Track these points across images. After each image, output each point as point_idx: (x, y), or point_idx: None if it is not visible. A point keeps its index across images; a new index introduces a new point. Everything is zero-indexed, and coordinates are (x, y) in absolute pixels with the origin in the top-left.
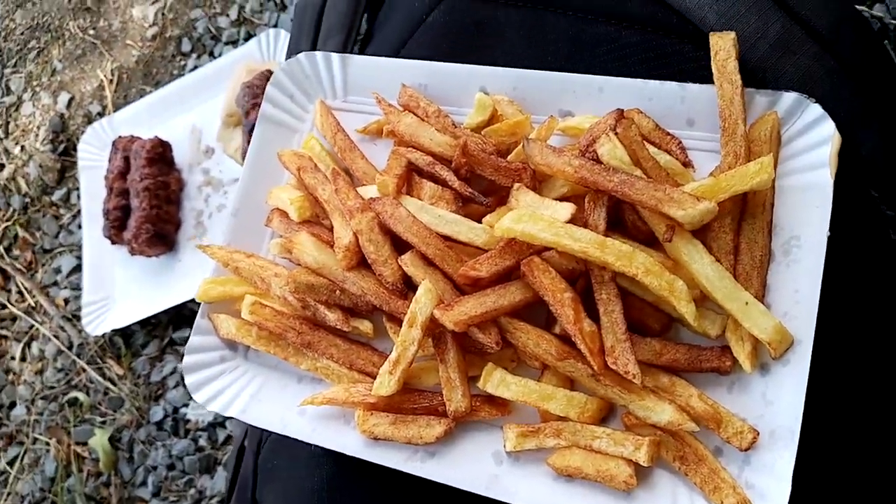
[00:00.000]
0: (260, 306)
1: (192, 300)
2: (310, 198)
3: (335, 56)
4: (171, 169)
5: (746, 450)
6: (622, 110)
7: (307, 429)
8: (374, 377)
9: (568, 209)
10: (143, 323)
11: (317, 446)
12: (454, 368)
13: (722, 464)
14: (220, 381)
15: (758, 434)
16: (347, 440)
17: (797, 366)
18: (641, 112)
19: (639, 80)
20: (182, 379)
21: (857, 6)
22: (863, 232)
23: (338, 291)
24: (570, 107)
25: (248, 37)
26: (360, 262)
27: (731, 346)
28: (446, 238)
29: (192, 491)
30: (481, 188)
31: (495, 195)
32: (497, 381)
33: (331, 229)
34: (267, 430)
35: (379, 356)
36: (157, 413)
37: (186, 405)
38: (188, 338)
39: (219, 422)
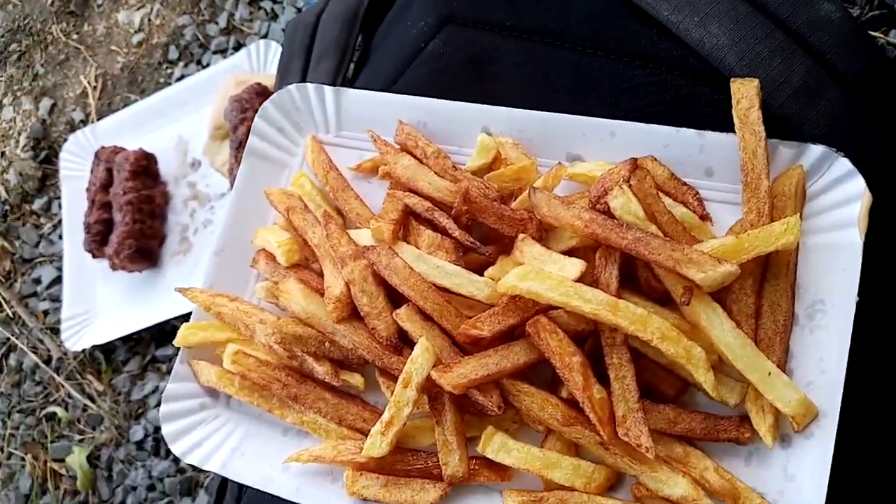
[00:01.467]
0: (243, 355)
1: (176, 317)
2: (298, 240)
3: (328, 89)
4: (155, 182)
5: None
6: (636, 160)
7: (292, 486)
8: (364, 433)
9: (577, 266)
10: (125, 339)
11: None
12: (451, 431)
13: None
14: (198, 432)
15: None
16: (334, 500)
17: (821, 440)
18: (656, 160)
19: (654, 125)
20: None
21: (871, 32)
22: (894, 296)
23: (327, 343)
24: (579, 151)
25: (238, 46)
26: (352, 314)
27: (751, 416)
28: (445, 291)
29: None
30: (480, 235)
31: (496, 243)
32: (498, 446)
33: (320, 274)
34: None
35: (370, 412)
36: (137, 432)
37: None
38: (171, 356)
39: None
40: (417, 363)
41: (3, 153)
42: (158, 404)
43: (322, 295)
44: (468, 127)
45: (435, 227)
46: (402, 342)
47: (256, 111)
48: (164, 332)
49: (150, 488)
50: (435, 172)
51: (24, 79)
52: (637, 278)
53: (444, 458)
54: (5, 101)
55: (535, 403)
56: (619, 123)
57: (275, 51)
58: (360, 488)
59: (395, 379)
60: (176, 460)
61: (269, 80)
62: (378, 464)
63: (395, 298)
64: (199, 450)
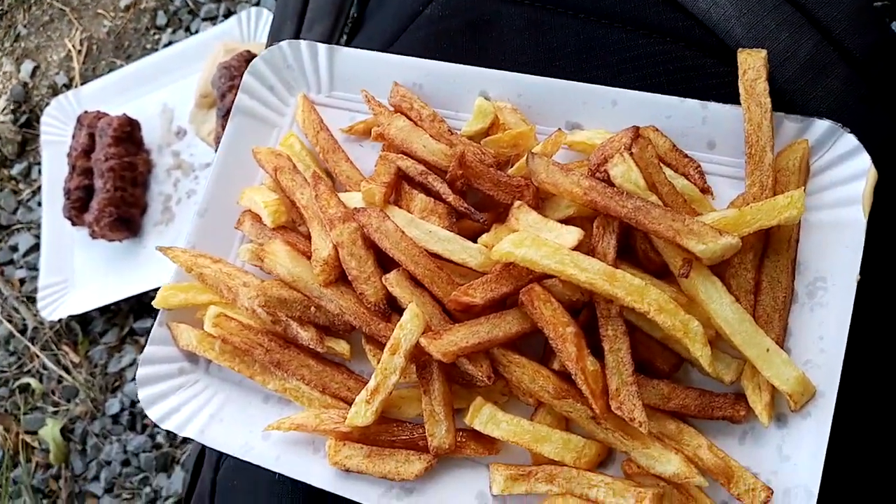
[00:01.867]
0: (225, 319)
1: (157, 289)
2: (286, 201)
3: (321, 46)
4: (138, 149)
5: None
6: (638, 128)
7: (271, 455)
8: (348, 402)
9: (574, 234)
10: (103, 310)
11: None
12: (439, 401)
13: None
14: (176, 397)
15: (771, 493)
16: (315, 470)
17: (818, 420)
18: (657, 130)
19: (657, 94)
20: None
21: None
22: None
23: (313, 308)
24: (580, 119)
25: (228, 13)
26: (340, 278)
27: (746, 394)
28: (437, 257)
29: (147, 489)
30: (475, 201)
31: (491, 210)
32: (486, 419)
33: (308, 237)
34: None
35: (355, 380)
36: (113, 405)
37: None
38: (150, 328)
39: None
40: (406, 329)
41: None
42: (136, 377)
43: (309, 258)
44: (466, 90)
45: (428, 191)
46: (391, 308)
47: None
48: (143, 303)
49: (125, 463)
50: (430, 135)
51: (6, 39)
52: (634, 250)
53: (430, 430)
54: None
55: (526, 375)
56: (621, 92)
57: (266, 19)
58: (343, 458)
59: (381, 346)
60: (152, 435)
61: (259, 48)
62: (362, 434)
63: (384, 263)
64: (176, 415)
